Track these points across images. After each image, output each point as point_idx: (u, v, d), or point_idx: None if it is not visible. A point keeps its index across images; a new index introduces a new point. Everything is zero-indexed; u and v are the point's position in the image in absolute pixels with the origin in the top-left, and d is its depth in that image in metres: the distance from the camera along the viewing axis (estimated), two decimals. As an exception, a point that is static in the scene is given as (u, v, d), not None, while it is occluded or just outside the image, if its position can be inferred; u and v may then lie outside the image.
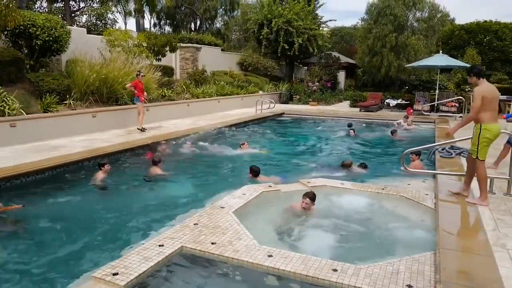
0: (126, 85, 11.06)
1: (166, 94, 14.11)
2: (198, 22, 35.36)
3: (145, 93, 11.00)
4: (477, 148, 5.07)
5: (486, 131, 5.01)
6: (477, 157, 5.10)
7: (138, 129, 10.76)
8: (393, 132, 11.86)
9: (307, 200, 5.03)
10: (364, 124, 14.44)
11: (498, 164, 7.14)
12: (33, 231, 4.82)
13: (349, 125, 13.67)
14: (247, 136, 12.13)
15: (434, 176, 6.75)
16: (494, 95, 5.08)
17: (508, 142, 7.06)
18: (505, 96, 16.32)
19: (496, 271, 3.44)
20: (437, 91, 17.11)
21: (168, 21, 35.69)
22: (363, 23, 22.14)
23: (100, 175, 6.68)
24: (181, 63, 18.81)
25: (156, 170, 7.14)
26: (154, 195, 6.29)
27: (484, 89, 5.03)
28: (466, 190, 5.50)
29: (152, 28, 34.98)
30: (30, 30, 10.40)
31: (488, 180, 5.86)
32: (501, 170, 6.86)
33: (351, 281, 3.39)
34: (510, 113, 10.41)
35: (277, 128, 14.26)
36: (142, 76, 10.87)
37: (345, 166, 7.69)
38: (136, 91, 10.63)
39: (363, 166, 7.75)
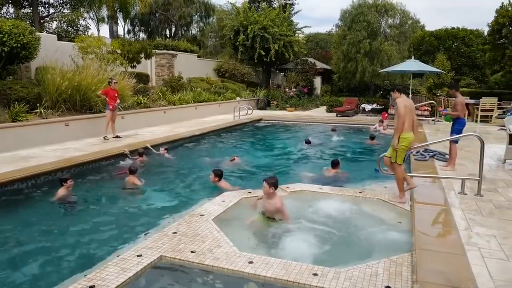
0: (97, 93, 10.84)
1: (142, 101, 13.91)
2: (173, 29, 35.13)
3: (118, 100, 10.72)
4: (396, 154, 5.75)
5: (404, 139, 5.68)
6: (395, 161, 5.77)
7: (104, 137, 10.45)
8: (372, 138, 11.60)
9: (264, 183, 5.11)
10: (350, 130, 14.53)
11: (454, 165, 7.55)
12: (5, 243, 4.62)
13: (333, 130, 13.82)
14: (226, 142, 12.10)
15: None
16: (412, 107, 5.90)
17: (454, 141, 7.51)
18: (473, 100, 16.97)
19: (469, 269, 3.55)
20: (410, 96, 17.59)
21: (142, 27, 35.30)
22: (337, 29, 22.57)
23: (62, 191, 6.13)
24: (156, 70, 18.60)
25: (133, 179, 7.00)
26: (131, 204, 6.15)
27: (405, 100, 5.84)
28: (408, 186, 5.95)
29: (126, 35, 34.49)
30: (-4, 37, 10.04)
31: (460, 181, 6.09)
32: (455, 170, 7.10)
33: (331, 285, 3.42)
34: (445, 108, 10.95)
35: (255, 134, 14.30)
36: (114, 83, 10.65)
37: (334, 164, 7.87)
38: (107, 98, 10.42)
39: (336, 163, 7.87)
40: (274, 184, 5.13)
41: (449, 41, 23.73)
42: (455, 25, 24.90)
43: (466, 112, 7.76)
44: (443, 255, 3.82)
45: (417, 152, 8.59)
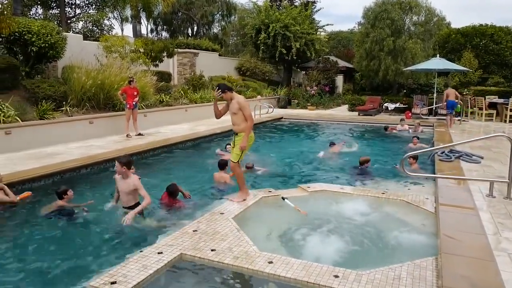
0: (117, 93, 11.05)
1: (164, 99, 14.09)
2: (195, 28, 35.44)
3: (136, 98, 10.82)
4: (241, 153, 5.54)
5: (251, 138, 5.63)
6: (238, 161, 5.59)
7: (126, 135, 10.71)
8: (415, 139, 10.32)
9: (116, 163, 5.21)
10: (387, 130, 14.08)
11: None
12: (30, 238, 4.76)
13: (386, 128, 13.67)
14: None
15: (434, 179, 6.72)
16: None
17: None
18: (502, 100, 16.37)
19: (498, 276, 3.41)
20: (435, 95, 17.16)
21: (165, 26, 35.79)
22: (360, 27, 22.22)
23: (59, 204, 5.46)
24: (178, 69, 18.79)
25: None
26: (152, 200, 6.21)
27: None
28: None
29: (149, 34, 35.09)
30: (25, 37, 10.36)
31: (488, 184, 5.87)
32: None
33: (353, 287, 3.35)
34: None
35: (275, 132, 14.24)
36: (135, 82, 10.82)
37: (363, 162, 7.78)
38: (126, 97, 10.64)
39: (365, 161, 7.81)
40: (126, 164, 5.20)
41: (477, 39, 22.92)
42: (483, 22, 24.09)
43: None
44: (470, 260, 3.69)
45: (442, 153, 8.35)
